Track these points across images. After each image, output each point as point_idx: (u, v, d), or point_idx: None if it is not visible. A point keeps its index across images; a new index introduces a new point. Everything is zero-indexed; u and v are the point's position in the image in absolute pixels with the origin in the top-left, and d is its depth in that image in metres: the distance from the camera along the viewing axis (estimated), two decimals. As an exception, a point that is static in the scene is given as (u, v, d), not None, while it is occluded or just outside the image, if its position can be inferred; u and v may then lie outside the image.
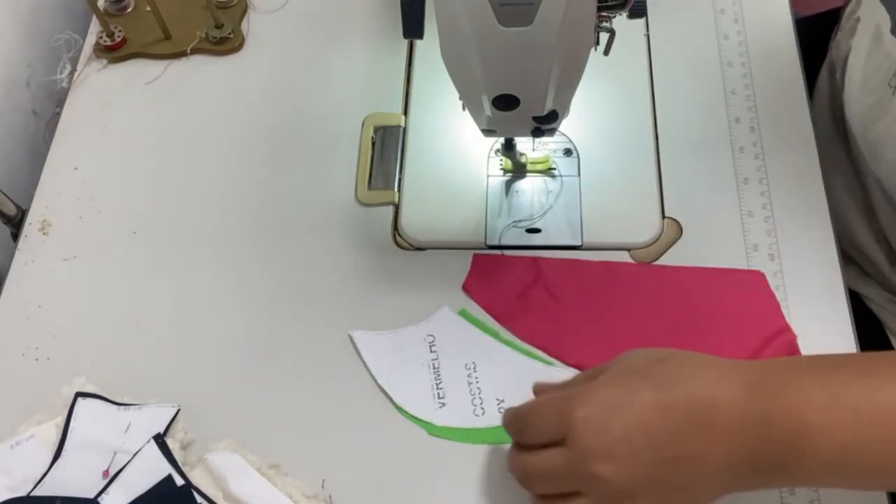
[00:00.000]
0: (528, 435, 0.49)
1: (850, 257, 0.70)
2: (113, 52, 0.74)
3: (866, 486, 0.45)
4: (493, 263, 0.62)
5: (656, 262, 0.62)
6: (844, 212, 0.68)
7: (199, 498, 0.53)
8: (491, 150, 0.67)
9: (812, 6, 0.88)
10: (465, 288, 0.62)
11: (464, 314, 0.60)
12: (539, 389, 0.52)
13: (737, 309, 0.59)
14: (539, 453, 0.48)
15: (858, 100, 0.64)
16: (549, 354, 0.59)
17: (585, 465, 0.45)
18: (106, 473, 0.54)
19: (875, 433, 0.42)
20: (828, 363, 0.45)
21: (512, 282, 0.62)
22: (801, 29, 0.72)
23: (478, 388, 0.58)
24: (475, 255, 0.63)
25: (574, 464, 0.45)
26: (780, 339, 0.58)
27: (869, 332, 0.70)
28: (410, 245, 0.64)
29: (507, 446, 0.53)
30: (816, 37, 0.79)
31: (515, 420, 0.50)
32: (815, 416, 0.42)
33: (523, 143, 0.64)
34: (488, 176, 0.66)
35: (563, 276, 0.61)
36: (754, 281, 0.60)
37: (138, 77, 0.74)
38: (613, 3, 0.49)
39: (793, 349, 0.57)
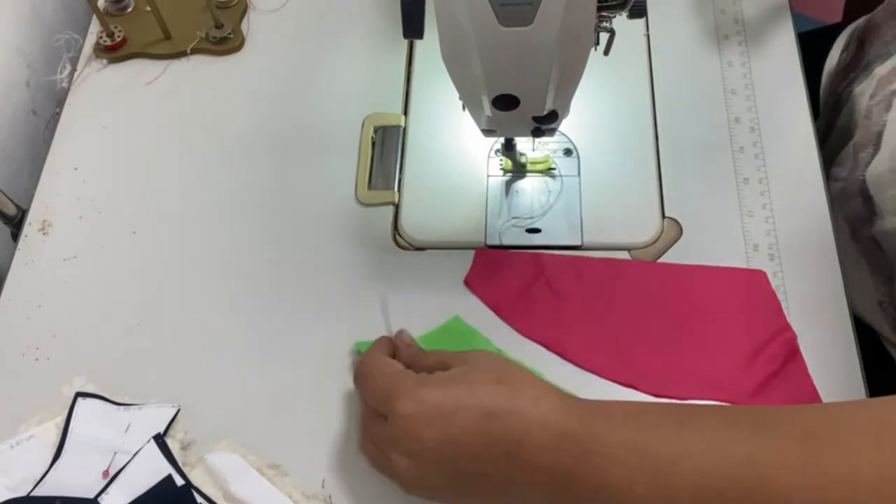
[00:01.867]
0: (361, 392, 0.54)
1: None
2: (113, 52, 0.74)
3: None
4: (495, 259, 0.62)
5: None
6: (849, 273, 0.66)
7: (199, 498, 0.53)
8: (491, 150, 0.67)
9: (812, 6, 0.88)
10: (467, 282, 0.62)
11: (456, 323, 0.60)
12: (399, 341, 0.57)
13: (738, 307, 0.59)
14: (369, 411, 0.53)
15: (892, 182, 0.62)
16: (550, 350, 0.59)
17: (392, 451, 0.49)
18: (106, 473, 0.54)
19: (674, 495, 0.43)
20: (651, 417, 0.46)
21: (513, 277, 0.62)
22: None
23: None
24: (477, 250, 0.63)
25: (386, 442, 0.49)
26: (780, 338, 0.58)
27: (869, 330, 0.69)
28: (410, 245, 0.64)
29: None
30: (814, 52, 0.78)
31: (359, 372, 0.54)
32: (618, 475, 0.44)
33: (523, 143, 0.64)
34: (488, 176, 0.66)
35: (565, 273, 0.61)
36: (756, 280, 0.60)
37: (138, 77, 0.74)
38: (613, 3, 0.49)
39: (793, 348, 0.57)
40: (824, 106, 0.78)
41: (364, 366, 0.54)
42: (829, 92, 0.77)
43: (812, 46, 0.75)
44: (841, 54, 0.77)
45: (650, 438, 0.44)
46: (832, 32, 0.81)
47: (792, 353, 0.57)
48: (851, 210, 0.65)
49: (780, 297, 0.59)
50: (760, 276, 0.60)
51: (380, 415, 0.50)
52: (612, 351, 0.58)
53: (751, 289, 0.60)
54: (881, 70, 0.67)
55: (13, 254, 0.66)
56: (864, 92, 0.68)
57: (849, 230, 0.66)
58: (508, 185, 0.66)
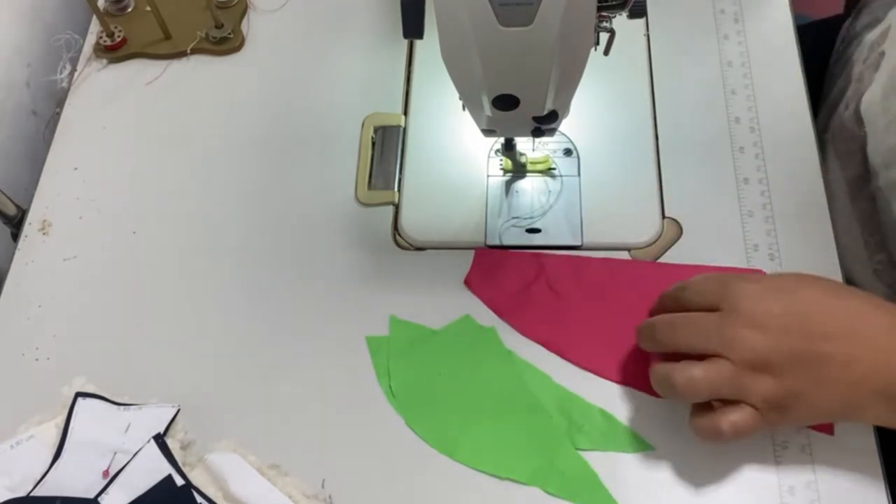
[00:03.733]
0: (686, 295, 0.52)
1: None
2: (113, 52, 0.74)
3: None
4: (495, 258, 0.62)
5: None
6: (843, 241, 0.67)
7: (199, 498, 0.53)
8: (491, 150, 0.67)
9: (812, 6, 0.89)
10: (467, 282, 0.62)
11: (467, 321, 0.60)
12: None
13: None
14: (690, 313, 0.51)
15: (882, 139, 0.62)
16: (550, 349, 0.59)
17: (735, 326, 0.48)
18: (106, 473, 0.54)
19: None
20: None
21: (513, 277, 0.62)
22: (801, 34, 0.71)
23: None
24: (477, 250, 0.63)
25: (724, 324, 0.48)
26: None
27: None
28: (410, 245, 0.64)
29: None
30: (817, 43, 0.79)
31: (676, 288, 0.53)
32: None
33: (523, 143, 0.64)
34: (488, 176, 0.66)
35: (565, 272, 0.61)
36: (754, 281, 0.60)
37: (138, 77, 0.74)
38: (613, 3, 0.49)
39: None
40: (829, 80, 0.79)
41: (679, 283, 0.53)
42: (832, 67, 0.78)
43: (812, 41, 0.75)
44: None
45: None
46: (832, 27, 0.81)
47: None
48: (851, 170, 0.66)
49: (780, 297, 0.59)
50: (760, 275, 0.60)
51: (710, 309, 0.50)
52: (612, 351, 0.58)
53: (751, 289, 0.60)
54: (871, 36, 0.68)
55: (13, 254, 0.66)
56: (858, 58, 0.69)
57: (848, 193, 0.67)
58: (508, 185, 0.66)
